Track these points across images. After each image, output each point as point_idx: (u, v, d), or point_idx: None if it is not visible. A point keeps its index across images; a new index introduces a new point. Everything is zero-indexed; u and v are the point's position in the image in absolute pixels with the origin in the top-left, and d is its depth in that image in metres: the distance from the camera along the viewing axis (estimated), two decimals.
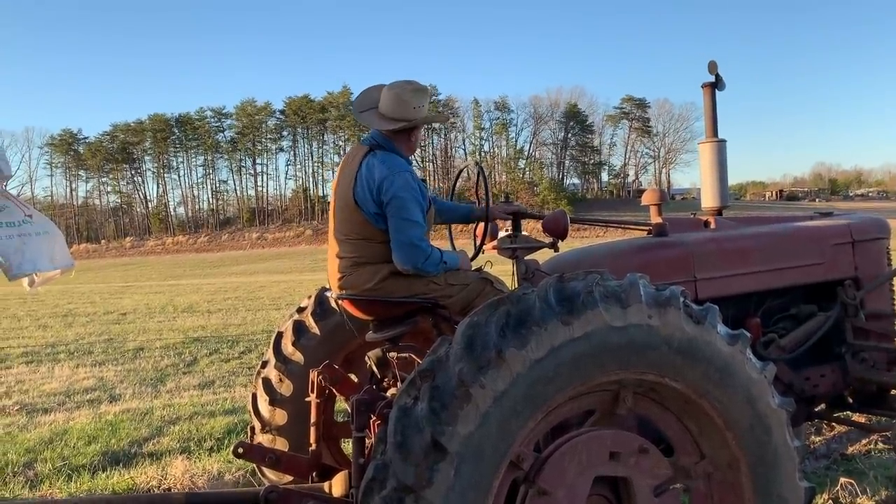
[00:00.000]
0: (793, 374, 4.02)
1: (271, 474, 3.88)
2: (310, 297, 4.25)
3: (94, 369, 9.97)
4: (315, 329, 4.10)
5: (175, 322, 16.16)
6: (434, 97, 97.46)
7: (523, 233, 3.74)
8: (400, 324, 3.37)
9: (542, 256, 3.96)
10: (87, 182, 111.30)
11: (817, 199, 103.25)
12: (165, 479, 4.85)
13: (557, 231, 3.51)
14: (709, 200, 4.42)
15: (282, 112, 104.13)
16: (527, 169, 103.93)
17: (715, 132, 4.41)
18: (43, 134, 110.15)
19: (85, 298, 25.20)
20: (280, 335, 4.20)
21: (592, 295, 2.47)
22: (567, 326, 2.40)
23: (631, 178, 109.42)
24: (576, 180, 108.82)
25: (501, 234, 3.86)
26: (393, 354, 3.45)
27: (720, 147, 4.39)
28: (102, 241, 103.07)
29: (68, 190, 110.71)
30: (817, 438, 5.34)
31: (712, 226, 4.24)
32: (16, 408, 7.67)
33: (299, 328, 4.14)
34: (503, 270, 3.70)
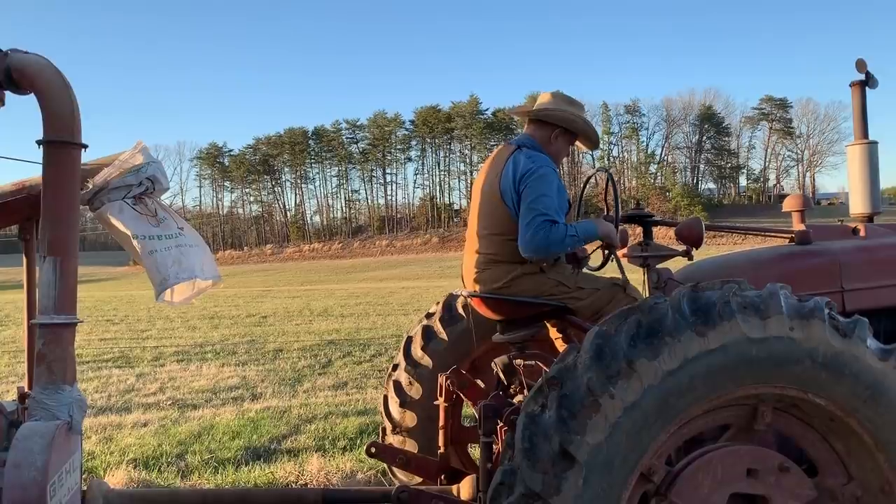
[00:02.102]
0: None
1: (401, 474, 3.98)
2: (438, 303, 4.34)
3: (237, 369, 10.59)
4: (443, 334, 4.18)
5: (311, 325, 16.89)
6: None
7: (654, 240, 3.65)
8: (527, 327, 3.38)
9: (676, 265, 3.85)
10: (231, 192, 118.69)
11: None
12: (302, 475, 5.08)
13: (691, 239, 3.41)
14: (858, 206, 4.13)
15: (411, 122, 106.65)
16: (658, 174, 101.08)
17: (865, 133, 4.14)
18: (193, 147, 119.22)
19: (229, 302, 26.79)
20: (410, 339, 4.31)
21: (729, 305, 2.38)
22: (702, 338, 2.33)
23: (772, 183, 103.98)
24: (711, 185, 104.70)
25: (632, 241, 3.79)
26: (519, 361, 3.47)
27: (871, 149, 4.11)
28: (245, 248, 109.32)
29: (215, 200, 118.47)
30: None
31: (862, 233, 3.96)
32: (169, 403, 8.27)
33: (428, 333, 4.23)
34: (635, 279, 3.63)
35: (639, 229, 3.80)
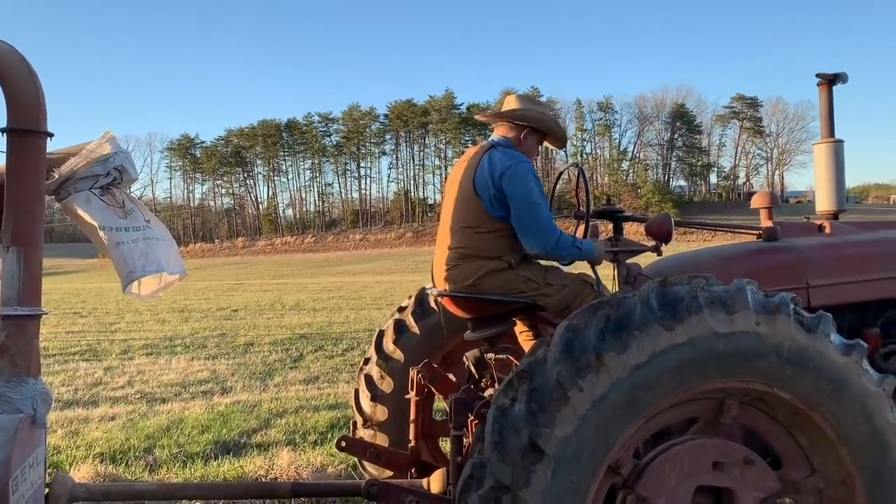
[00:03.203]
0: None
1: (371, 468, 3.97)
2: (410, 297, 4.33)
3: (207, 362, 10.49)
4: (415, 328, 4.18)
5: (283, 319, 16.80)
6: (536, 98, 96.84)
7: (625, 236, 3.68)
8: (498, 324, 3.39)
9: (645, 260, 3.88)
10: (202, 184, 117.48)
11: None
12: (272, 469, 5.04)
13: (661, 234, 3.44)
14: (824, 204, 4.21)
15: (385, 116, 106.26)
16: (630, 170, 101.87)
17: (831, 132, 4.20)
18: (163, 139, 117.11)
19: (200, 295, 26.54)
20: (382, 333, 4.30)
21: (697, 300, 2.41)
22: (669, 332, 2.35)
23: (741, 181, 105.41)
24: (682, 182, 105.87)
25: (602, 236, 3.81)
26: (490, 356, 3.48)
27: (837, 148, 4.18)
28: (216, 241, 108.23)
29: (186, 192, 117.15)
30: None
31: (827, 230, 4.03)
32: (137, 396, 8.17)
33: (400, 327, 4.23)
34: (604, 275, 3.66)
35: (610, 225, 3.82)
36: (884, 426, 2.52)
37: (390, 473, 3.76)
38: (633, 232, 4.05)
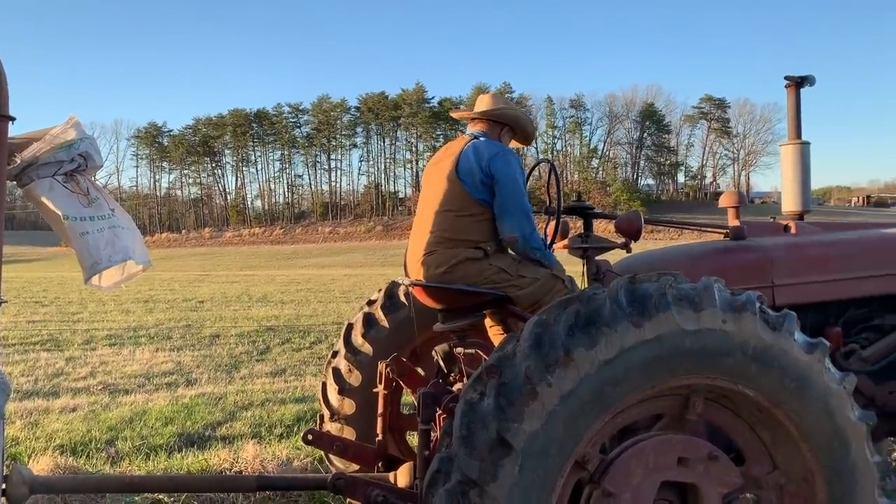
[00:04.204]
0: (875, 387, 3.85)
1: (338, 462, 3.95)
2: (380, 290, 4.32)
3: (172, 354, 10.36)
4: (384, 322, 4.16)
5: (250, 311, 16.65)
6: (507, 94, 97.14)
7: (595, 233, 3.71)
8: (468, 316, 3.40)
9: (614, 258, 3.91)
10: (170, 174, 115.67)
11: None
12: (237, 462, 4.99)
13: (630, 232, 3.46)
14: (790, 204, 4.27)
15: (356, 109, 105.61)
16: (600, 168, 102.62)
17: (798, 134, 4.27)
18: (130, 126, 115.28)
19: (165, 286, 26.20)
20: (350, 327, 4.28)
21: (665, 297, 2.43)
22: (638, 328, 2.37)
23: (708, 180, 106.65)
24: (650, 181, 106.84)
25: (572, 233, 3.83)
26: (460, 350, 3.48)
27: (803, 149, 4.25)
28: (183, 231, 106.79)
29: (152, 181, 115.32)
30: None
31: (793, 230, 4.10)
32: (99, 387, 8.04)
33: (369, 320, 4.21)
34: (574, 271, 3.68)
35: (580, 221, 3.84)
36: (844, 424, 2.57)
37: (357, 467, 3.75)
38: (603, 229, 4.08)
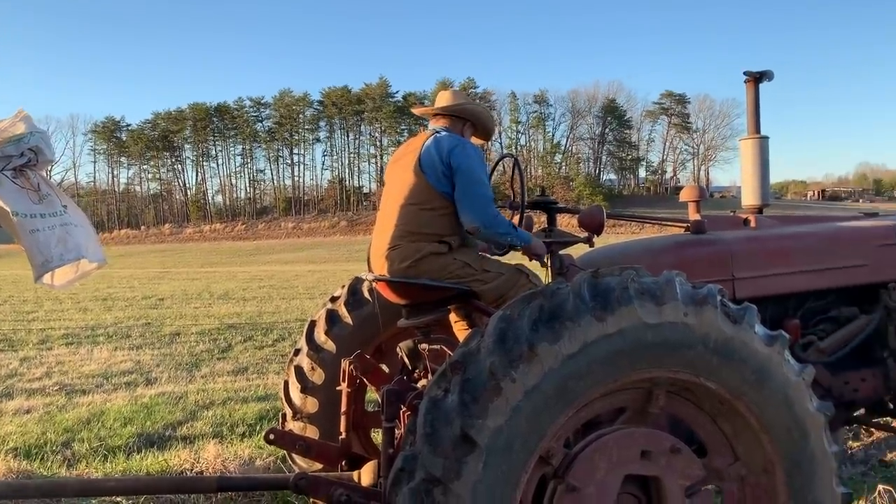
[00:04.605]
0: (832, 378, 3.92)
1: (301, 461, 3.90)
2: (343, 286, 4.27)
3: (131, 353, 10.16)
4: (347, 318, 4.12)
5: (211, 308, 16.41)
6: (471, 90, 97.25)
7: (558, 227, 3.71)
8: (433, 311, 3.37)
9: (577, 252, 3.92)
10: (128, 169, 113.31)
11: (861, 200, 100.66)
12: (198, 462, 4.90)
13: (593, 226, 3.47)
14: (749, 198, 4.33)
15: (319, 103, 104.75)
16: (563, 163, 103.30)
17: (757, 128, 4.32)
18: (87, 121, 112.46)
19: (124, 283, 25.70)
20: (313, 324, 4.23)
21: (627, 291, 2.43)
22: (600, 322, 2.37)
23: (669, 175, 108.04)
24: (612, 176, 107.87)
25: (536, 228, 3.83)
26: (424, 346, 3.46)
27: (763, 144, 4.30)
28: (142, 227, 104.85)
29: (110, 176, 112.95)
30: (855, 444, 5.23)
31: (752, 224, 4.15)
32: (55, 388, 7.85)
33: (332, 317, 4.16)
34: (537, 266, 3.68)
35: (544, 216, 3.84)
36: (803, 415, 2.60)
37: (320, 466, 3.70)
38: (566, 224, 4.08)
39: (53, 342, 11.23)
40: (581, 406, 2.47)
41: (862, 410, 4.32)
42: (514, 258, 3.56)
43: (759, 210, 4.33)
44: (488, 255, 3.48)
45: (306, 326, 4.25)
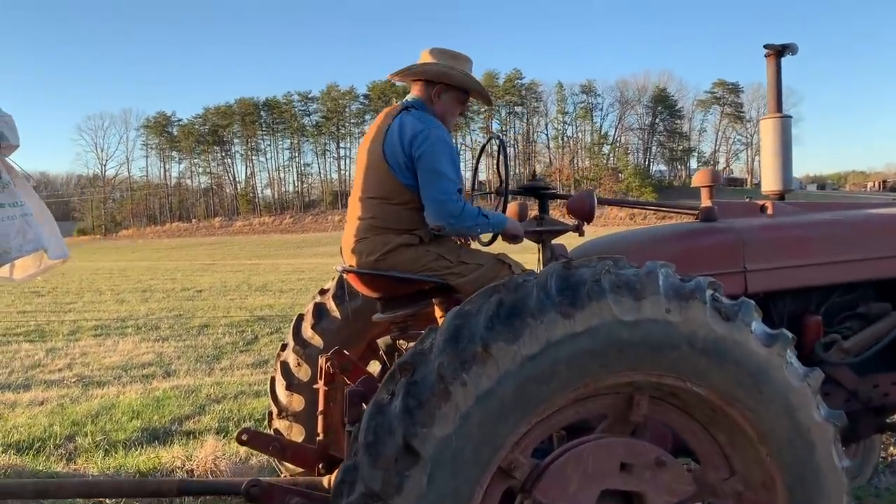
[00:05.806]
0: (858, 380, 3.53)
1: (289, 463, 3.72)
2: (333, 278, 4.06)
3: (155, 344, 10.17)
4: (336, 313, 3.92)
5: (245, 300, 16.45)
6: (517, 80, 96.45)
7: (548, 215, 3.42)
8: (408, 305, 3.12)
9: (576, 241, 3.63)
10: (179, 163, 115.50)
11: None
12: (190, 460, 4.75)
13: (582, 213, 3.18)
14: (769, 183, 3.94)
15: (365, 97, 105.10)
16: (611, 154, 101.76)
17: (779, 107, 3.94)
18: (140, 116, 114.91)
19: (167, 275, 26.10)
20: (301, 318, 4.04)
21: (600, 284, 2.14)
22: (567, 319, 2.08)
23: (721, 166, 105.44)
24: (662, 167, 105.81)
25: (531, 216, 3.55)
26: (402, 342, 3.22)
27: (784, 124, 3.92)
28: (193, 221, 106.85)
29: (162, 170, 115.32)
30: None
31: (769, 211, 3.76)
32: (74, 380, 7.85)
33: (320, 311, 3.97)
34: (529, 259, 3.40)
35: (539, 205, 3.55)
36: (808, 424, 2.29)
37: (301, 469, 3.51)
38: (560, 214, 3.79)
39: (83, 333, 11.34)
40: (548, 413, 2.20)
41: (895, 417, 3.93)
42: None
43: (781, 196, 3.96)
44: (469, 246, 3.21)
45: (294, 320, 4.06)
